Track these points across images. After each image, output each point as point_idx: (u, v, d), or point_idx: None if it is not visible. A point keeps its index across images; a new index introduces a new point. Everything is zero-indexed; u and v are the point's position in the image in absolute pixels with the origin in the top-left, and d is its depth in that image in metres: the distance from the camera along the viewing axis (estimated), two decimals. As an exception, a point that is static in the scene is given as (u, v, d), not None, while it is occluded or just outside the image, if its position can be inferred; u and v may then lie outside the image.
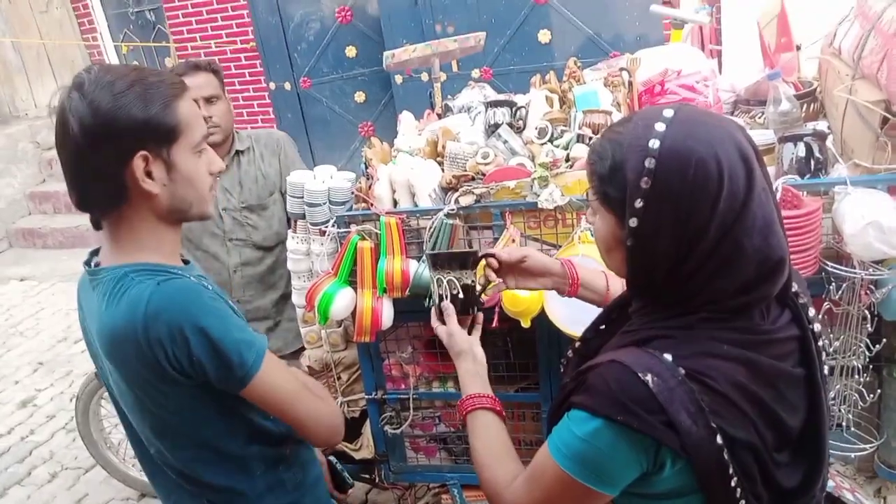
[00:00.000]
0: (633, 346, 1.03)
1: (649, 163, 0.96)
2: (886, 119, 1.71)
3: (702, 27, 3.36)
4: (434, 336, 2.16)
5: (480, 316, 1.49)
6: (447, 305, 1.48)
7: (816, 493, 1.10)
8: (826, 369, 1.11)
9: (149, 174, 1.18)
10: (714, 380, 0.97)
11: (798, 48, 2.34)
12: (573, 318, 1.89)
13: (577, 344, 1.28)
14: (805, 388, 1.07)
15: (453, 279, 1.49)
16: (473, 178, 2.03)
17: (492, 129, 2.18)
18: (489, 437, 1.25)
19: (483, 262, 1.51)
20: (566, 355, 1.30)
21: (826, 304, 1.79)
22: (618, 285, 1.46)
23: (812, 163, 1.88)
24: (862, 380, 1.86)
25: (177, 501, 1.39)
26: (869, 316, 1.78)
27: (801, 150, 1.89)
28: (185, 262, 1.34)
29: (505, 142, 2.10)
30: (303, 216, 2.19)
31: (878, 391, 1.88)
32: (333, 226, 2.10)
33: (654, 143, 0.97)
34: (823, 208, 1.77)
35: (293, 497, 1.39)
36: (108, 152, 1.16)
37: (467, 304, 1.48)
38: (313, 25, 5.70)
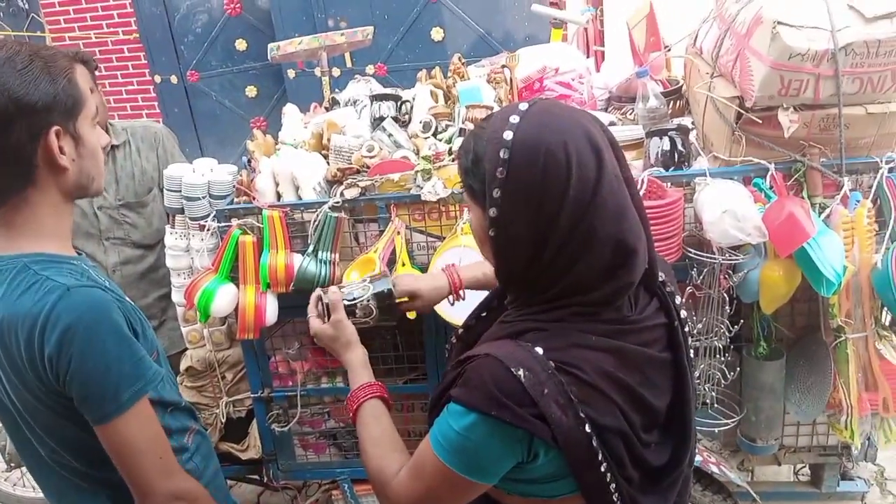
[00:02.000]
0: (508, 338, 1.07)
1: (504, 153, 1.00)
2: (741, 114, 1.84)
3: (587, 29, 3.49)
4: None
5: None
6: (334, 293, 1.47)
7: (684, 468, 1.17)
8: (691, 352, 1.18)
9: (61, 149, 1.16)
10: (583, 371, 1.02)
11: (667, 48, 2.47)
12: (459, 307, 1.92)
13: (461, 331, 1.31)
14: (671, 371, 1.13)
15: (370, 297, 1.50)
16: (359, 171, 2.03)
17: (377, 123, 2.18)
18: (378, 426, 1.27)
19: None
20: (450, 342, 1.34)
21: (689, 288, 1.90)
22: None
23: (676, 156, 1.99)
24: (724, 359, 1.99)
25: (73, 503, 1.33)
26: (728, 299, 1.90)
27: (665, 144, 2.00)
28: (78, 252, 1.29)
29: (390, 135, 2.12)
30: (181, 211, 2.12)
31: (738, 370, 2.02)
32: (213, 220, 2.05)
33: (508, 135, 1.01)
34: (686, 198, 1.88)
35: None
36: (20, 131, 1.12)
37: (386, 311, 1.51)
38: (200, 17, 5.51)
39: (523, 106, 1.05)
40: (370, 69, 5.24)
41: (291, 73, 5.38)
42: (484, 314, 1.28)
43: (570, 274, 1.02)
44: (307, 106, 2.65)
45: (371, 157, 2.04)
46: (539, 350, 1.02)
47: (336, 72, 5.14)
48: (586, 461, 1.03)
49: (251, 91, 5.75)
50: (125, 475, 1.21)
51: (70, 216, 1.27)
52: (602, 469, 1.05)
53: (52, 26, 5.50)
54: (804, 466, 2.49)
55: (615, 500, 1.08)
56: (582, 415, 1.01)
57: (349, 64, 5.19)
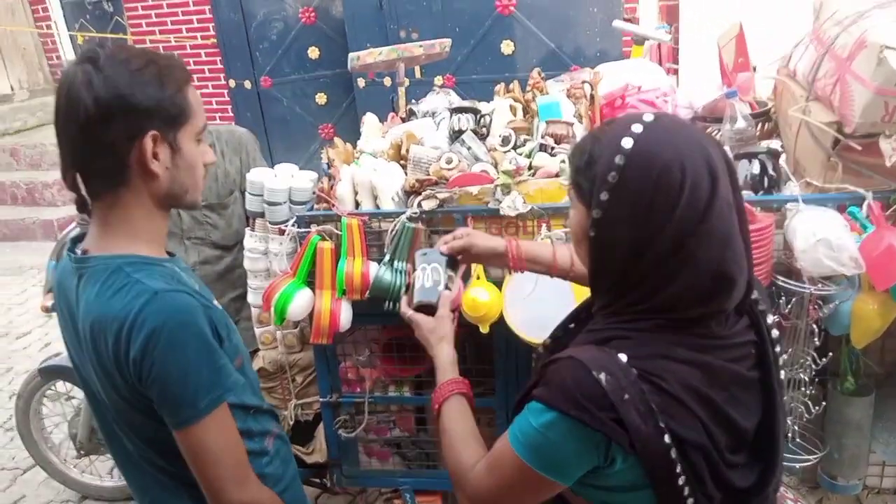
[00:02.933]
0: (592, 344, 1.06)
1: (619, 159, 1.00)
2: (838, 140, 1.77)
3: (660, 45, 3.44)
4: (392, 339, 2.19)
5: (455, 315, 1.50)
6: (446, 293, 1.46)
7: (770, 493, 1.14)
8: (782, 373, 1.14)
9: (155, 155, 1.18)
10: (666, 381, 1.01)
11: (754, 69, 2.41)
12: (531, 323, 1.90)
13: (548, 341, 1.31)
14: (760, 391, 1.10)
15: (437, 267, 1.48)
16: (437, 183, 2.03)
17: (456, 135, 2.18)
18: (461, 421, 1.28)
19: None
20: (536, 351, 1.34)
21: (776, 317, 1.83)
22: (566, 255, 1.53)
23: (766, 180, 1.94)
24: (808, 392, 1.92)
25: (155, 498, 1.35)
26: (816, 330, 1.83)
27: (755, 168, 1.95)
28: (170, 254, 1.31)
29: (469, 148, 2.11)
30: (262, 214, 2.16)
31: (823, 404, 1.94)
32: (294, 225, 2.07)
33: (628, 143, 1.01)
34: (776, 224, 1.82)
35: (275, 491, 1.36)
36: (118, 128, 1.14)
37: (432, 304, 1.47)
38: (276, 25, 5.64)
39: (648, 117, 1.04)
40: (439, 80, 5.26)
41: (361, 83, 5.45)
42: (572, 325, 1.28)
43: (663, 291, 1.02)
44: (377, 115, 2.67)
45: (450, 169, 2.04)
46: (623, 357, 1.02)
47: (405, 81, 5.19)
48: (664, 473, 1.02)
49: (321, 98, 5.85)
50: (200, 480, 1.22)
51: (164, 221, 1.29)
52: (680, 482, 1.03)
53: (134, 29, 5.70)
54: (885, 509, 2.38)
55: None
56: (662, 425, 1.00)
57: (418, 75, 5.23)
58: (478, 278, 1.94)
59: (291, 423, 2.33)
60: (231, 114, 5.92)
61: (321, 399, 2.24)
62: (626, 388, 0.99)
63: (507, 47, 5.11)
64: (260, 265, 2.19)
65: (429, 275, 1.48)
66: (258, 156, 2.51)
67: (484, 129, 2.22)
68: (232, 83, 5.81)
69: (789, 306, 1.83)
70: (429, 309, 1.44)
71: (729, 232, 1.01)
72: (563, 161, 2.01)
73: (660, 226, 0.99)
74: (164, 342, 1.13)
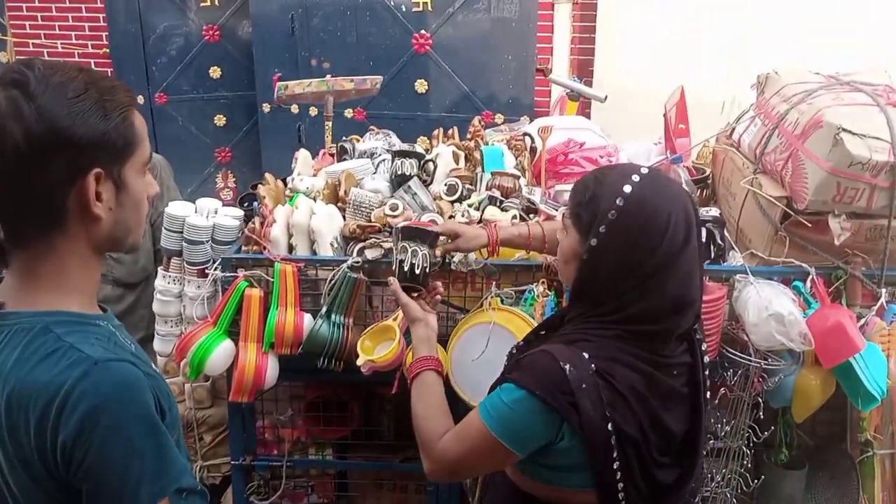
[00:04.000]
0: (563, 342, 1.26)
1: (619, 201, 1.21)
2: (787, 215, 1.80)
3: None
4: (318, 398, 2.01)
5: (440, 286, 1.62)
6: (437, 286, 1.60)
7: (686, 493, 1.33)
8: (708, 393, 1.34)
9: (98, 196, 0.99)
10: (616, 380, 1.20)
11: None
12: (477, 386, 1.79)
13: (522, 343, 1.45)
14: (689, 404, 1.30)
15: (417, 249, 1.56)
16: (380, 230, 1.89)
17: (399, 180, 2.06)
18: (431, 395, 1.42)
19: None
20: (511, 352, 1.47)
21: (722, 390, 1.82)
22: (539, 233, 1.74)
23: (713, 248, 1.93)
24: (746, 464, 1.91)
25: None
26: (760, 403, 1.83)
27: (702, 236, 1.93)
28: (102, 308, 1.10)
29: (415, 195, 1.99)
30: (179, 253, 1.93)
31: (762, 477, 1.93)
32: (217, 268, 1.87)
33: (627, 189, 1.21)
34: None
35: None
36: (55, 168, 0.95)
37: (416, 281, 1.57)
38: (177, 40, 5.30)
39: (644, 170, 1.26)
40: (349, 113, 5.13)
41: (266, 108, 5.21)
42: (543, 332, 1.42)
43: (633, 307, 1.22)
44: (281, 143, 2.50)
45: (394, 216, 1.91)
46: (585, 355, 1.21)
47: (313, 111, 5.02)
48: (602, 456, 1.20)
49: (220, 120, 5.55)
50: None
51: (98, 269, 1.09)
52: (615, 467, 1.21)
53: (16, 31, 5.19)
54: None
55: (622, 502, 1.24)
56: (608, 414, 1.19)
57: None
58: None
59: (195, 486, 2.08)
60: (119, 129, 5.50)
61: (232, 461, 2.01)
62: (584, 379, 1.19)
63: (420, 86, 5.05)
64: (172, 309, 1.96)
65: (414, 254, 1.56)
66: (173, 186, 2.27)
67: (426, 176, 2.11)
68: (123, 97, 5.40)
69: (735, 378, 1.82)
70: (413, 289, 1.56)
71: (693, 270, 1.24)
72: (514, 217, 1.93)
73: (642, 258, 1.20)
74: (105, 424, 0.92)
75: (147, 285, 2.17)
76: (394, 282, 1.56)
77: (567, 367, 1.19)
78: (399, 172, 2.08)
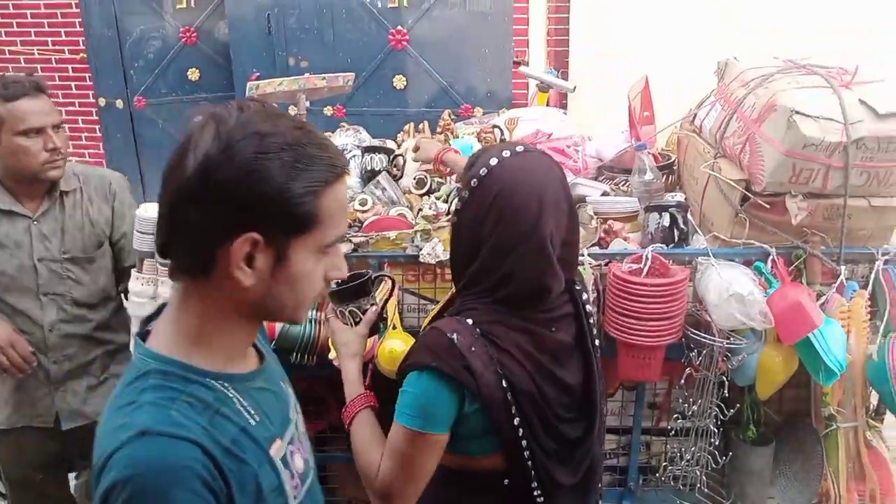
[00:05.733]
0: (449, 316, 1.34)
1: (483, 171, 1.30)
2: (746, 197, 1.84)
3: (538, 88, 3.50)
4: (295, 392, 2.03)
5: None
6: (373, 312, 1.57)
7: (592, 442, 1.41)
8: (597, 341, 1.45)
9: (249, 261, 0.91)
10: (501, 340, 1.28)
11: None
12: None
13: (429, 327, 1.46)
14: (580, 355, 1.40)
15: (354, 309, 1.56)
16: (350, 225, 1.92)
17: (369, 175, 2.09)
18: (364, 432, 1.41)
19: (383, 283, 1.68)
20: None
21: (688, 370, 1.86)
22: None
23: (676, 233, 1.97)
24: (714, 442, 1.95)
25: None
26: (726, 381, 1.87)
27: (665, 220, 1.98)
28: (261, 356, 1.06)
29: (384, 190, 2.03)
30: (152, 255, 1.96)
31: (730, 454, 1.98)
32: (189, 267, 1.89)
33: (493, 161, 1.30)
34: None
35: None
36: (214, 216, 0.88)
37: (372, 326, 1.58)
38: (154, 43, 5.30)
39: (519, 148, 1.34)
40: (328, 110, 5.15)
41: (246, 108, 5.22)
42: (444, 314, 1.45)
43: (497, 293, 1.30)
44: None
45: (364, 212, 1.95)
46: (469, 321, 1.29)
47: (292, 111, 5.03)
48: (502, 415, 1.27)
49: (200, 122, 5.54)
50: None
51: (246, 333, 1.01)
52: (515, 423, 1.28)
53: (-9, 37, 5.19)
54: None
55: (528, 463, 1.31)
56: (499, 371, 1.26)
57: (307, 103, 5.08)
58: (394, 328, 1.84)
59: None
60: (99, 134, 5.50)
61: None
62: (472, 343, 1.26)
63: (399, 82, 5.07)
64: (146, 310, 1.96)
65: (353, 314, 1.56)
66: (133, 203, 2.24)
67: (397, 171, 2.15)
68: (102, 102, 5.39)
69: (700, 358, 1.86)
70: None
71: (544, 261, 1.29)
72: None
73: (486, 232, 1.28)
74: (122, 501, 0.83)
75: (110, 304, 2.16)
76: (333, 322, 1.54)
77: (454, 335, 1.26)
78: (369, 168, 2.11)
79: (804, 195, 1.78)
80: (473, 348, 1.25)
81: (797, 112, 1.68)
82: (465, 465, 1.36)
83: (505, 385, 1.26)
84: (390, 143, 2.38)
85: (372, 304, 1.58)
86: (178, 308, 0.96)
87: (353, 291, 1.55)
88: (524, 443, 1.30)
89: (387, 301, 1.65)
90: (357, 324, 1.54)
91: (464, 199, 1.33)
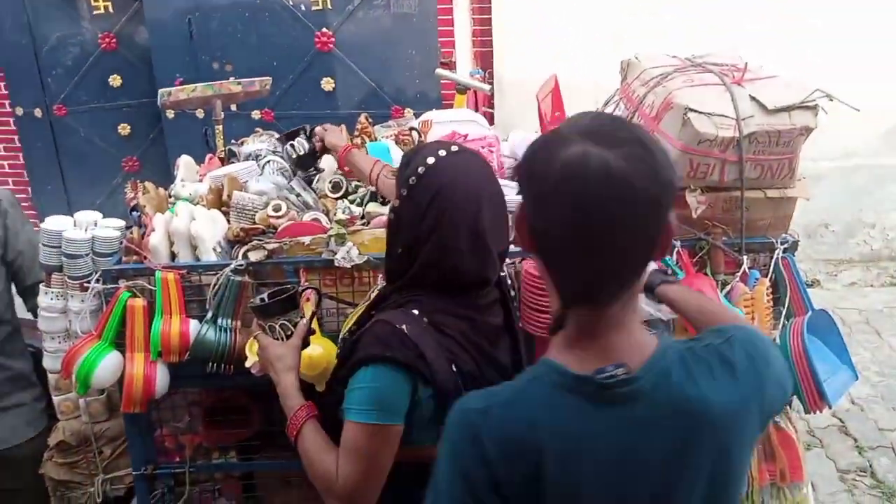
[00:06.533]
0: (392, 308, 1.36)
1: (420, 170, 1.33)
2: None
3: (476, 91, 3.55)
4: (216, 402, 2.02)
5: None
6: (304, 324, 1.53)
7: None
8: (518, 322, 1.58)
9: None
10: (447, 328, 1.33)
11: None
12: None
13: (354, 327, 1.53)
14: (507, 334, 1.48)
15: (286, 323, 1.52)
16: (264, 232, 1.92)
17: (299, 162, 2.11)
18: (316, 440, 1.38)
19: (309, 295, 1.66)
20: (343, 338, 1.58)
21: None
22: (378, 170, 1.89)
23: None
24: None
25: None
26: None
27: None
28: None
29: (298, 195, 2.02)
30: (59, 268, 1.91)
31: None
32: (98, 280, 1.86)
33: (430, 160, 1.33)
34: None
35: None
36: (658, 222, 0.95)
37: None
38: (72, 49, 5.14)
39: (454, 148, 1.37)
40: (256, 114, 5.09)
41: (171, 114, 5.11)
42: (373, 312, 1.46)
43: (429, 274, 1.34)
44: (188, 149, 2.49)
45: (278, 217, 1.94)
46: (416, 311, 1.33)
47: (221, 119, 4.95)
48: (453, 397, 1.21)
49: (124, 129, 5.41)
50: None
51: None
52: None
53: None
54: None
55: None
56: (449, 358, 1.31)
57: (234, 107, 5.01)
58: (313, 333, 1.84)
59: (99, 500, 2.06)
60: (17, 144, 5.31)
61: (134, 472, 2.00)
62: (421, 332, 1.29)
63: (327, 84, 5.04)
64: (58, 325, 1.94)
65: (284, 327, 1.53)
66: (24, 219, 2.15)
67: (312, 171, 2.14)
68: (19, 111, 5.22)
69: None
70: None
71: (485, 249, 1.34)
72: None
73: (426, 233, 1.31)
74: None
75: (4, 326, 2.06)
76: (262, 338, 1.52)
77: (403, 326, 1.28)
78: (295, 155, 2.11)
79: (703, 189, 1.85)
80: (423, 336, 1.28)
81: (691, 109, 1.75)
82: (412, 457, 1.35)
83: (455, 369, 1.31)
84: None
85: (301, 317, 1.55)
86: (625, 321, 1.01)
87: (280, 305, 1.53)
88: None
89: (314, 314, 1.63)
90: (288, 337, 1.51)
91: (402, 196, 1.35)
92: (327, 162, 2.19)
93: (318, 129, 2.13)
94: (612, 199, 0.89)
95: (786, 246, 1.93)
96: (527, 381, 1.00)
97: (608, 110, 2.16)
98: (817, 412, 1.85)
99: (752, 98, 1.79)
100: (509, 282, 1.54)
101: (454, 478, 0.96)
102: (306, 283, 1.73)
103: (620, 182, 0.88)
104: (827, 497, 2.98)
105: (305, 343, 1.54)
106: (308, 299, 1.65)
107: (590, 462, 0.94)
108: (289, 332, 1.52)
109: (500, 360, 1.41)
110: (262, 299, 1.57)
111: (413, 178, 1.33)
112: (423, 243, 1.32)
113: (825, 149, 3.78)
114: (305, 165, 2.16)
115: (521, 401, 0.98)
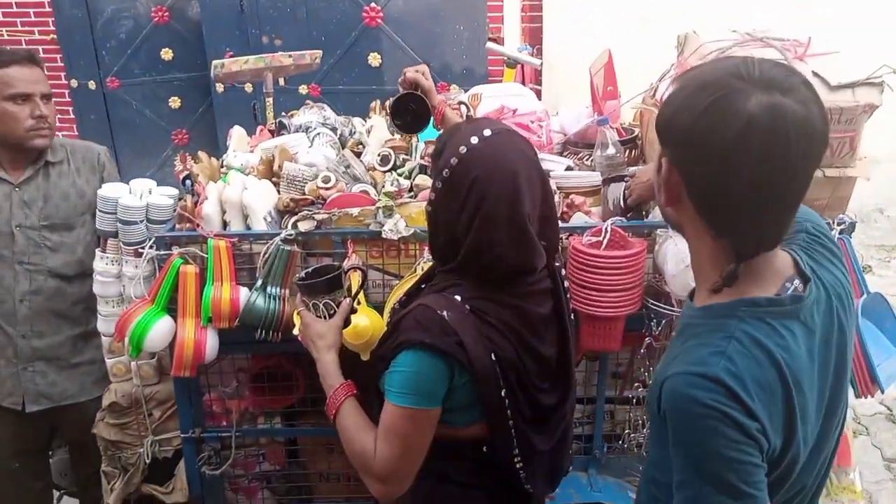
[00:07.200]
0: (435, 292, 1.35)
1: (453, 161, 1.28)
2: (703, 170, 1.86)
3: (524, 67, 3.52)
4: (263, 369, 2.06)
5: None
6: (345, 303, 1.55)
7: (566, 410, 1.48)
8: (571, 315, 1.52)
9: None
10: (488, 315, 1.31)
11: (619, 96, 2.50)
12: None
13: (404, 298, 1.52)
14: (557, 326, 1.44)
15: (329, 302, 1.54)
16: (313, 203, 1.93)
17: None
18: (355, 419, 1.41)
19: (355, 274, 1.66)
20: (394, 308, 1.56)
21: (648, 339, 1.90)
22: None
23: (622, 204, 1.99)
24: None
25: None
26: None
27: (618, 192, 1.99)
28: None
29: (347, 166, 2.03)
30: (115, 234, 1.96)
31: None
32: (152, 247, 1.90)
33: (463, 150, 1.28)
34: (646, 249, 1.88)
35: None
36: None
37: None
38: (125, 23, 5.25)
39: (487, 132, 1.30)
40: (304, 89, 5.12)
41: (220, 88, 5.19)
42: (423, 286, 1.49)
43: (483, 277, 1.33)
44: (238, 122, 2.52)
45: (327, 189, 1.95)
46: (458, 297, 1.31)
47: (272, 93, 5.00)
48: (490, 386, 1.31)
49: (175, 102, 5.52)
50: None
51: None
52: (502, 394, 1.32)
53: (-42, 19, 5.12)
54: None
55: (511, 430, 1.36)
56: (488, 346, 1.30)
57: (282, 83, 5.05)
58: (359, 304, 1.86)
59: (148, 461, 2.13)
60: (72, 116, 5.45)
61: (182, 435, 2.06)
62: (462, 319, 1.29)
63: (374, 59, 5.05)
64: (112, 290, 1.99)
65: (328, 307, 1.54)
66: (118, 176, 2.27)
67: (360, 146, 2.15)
68: (74, 83, 5.35)
69: (660, 328, 1.89)
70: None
71: (527, 237, 1.31)
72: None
73: (466, 223, 1.28)
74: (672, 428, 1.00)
75: (86, 279, 2.12)
76: (298, 300, 1.57)
77: (444, 312, 1.28)
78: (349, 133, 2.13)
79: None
80: (464, 324, 1.28)
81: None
82: (446, 435, 1.38)
83: (494, 358, 1.30)
84: (356, 121, 2.39)
85: (345, 297, 1.57)
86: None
87: (326, 284, 1.55)
88: (509, 412, 1.34)
89: (356, 293, 1.64)
90: (331, 316, 1.53)
91: (437, 189, 1.32)
92: (375, 135, 2.20)
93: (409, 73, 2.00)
94: (802, 147, 0.90)
95: (843, 227, 1.88)
96: (730, 330, 0.98)
97: (664, 84, 2.12)
98: (868, 396, 1.81)
99: (815, 74, 1.73)
100: (563, 272, 1.49)
101: (727, 471, 0.93)
102: (352, 262, 1.73)
103: (808, 128, 0.90)
104: (872, 485, 2.92)
105: (346, 322, 1.56)
106: (354, 278, 1.66)
107: (806, 371, 1.00)
108: (332, 311, 1.54)
109: (542, 351, 1.39)
110: (308, 273, 1.59)
111: (447, 170, 1.29)
112: (463, 237, 1.30)
113: (883, 130, 3.65)
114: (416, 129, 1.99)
115: (746, 347, 0.97)
